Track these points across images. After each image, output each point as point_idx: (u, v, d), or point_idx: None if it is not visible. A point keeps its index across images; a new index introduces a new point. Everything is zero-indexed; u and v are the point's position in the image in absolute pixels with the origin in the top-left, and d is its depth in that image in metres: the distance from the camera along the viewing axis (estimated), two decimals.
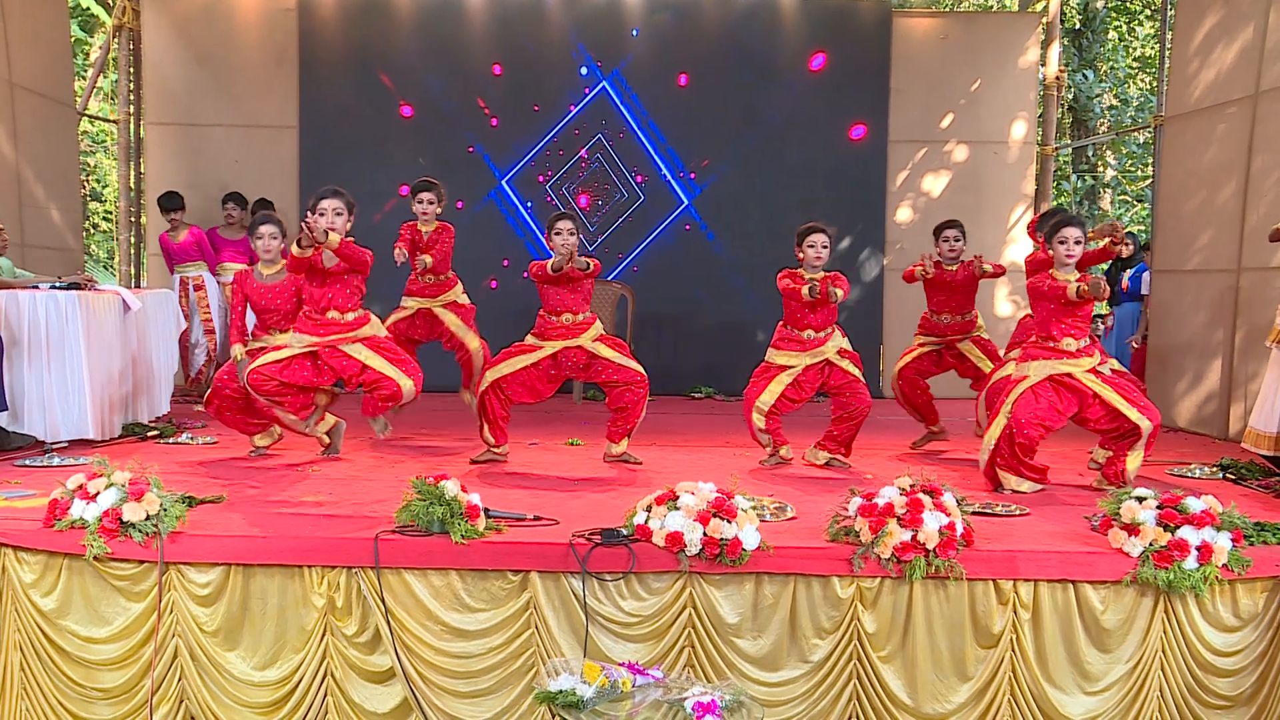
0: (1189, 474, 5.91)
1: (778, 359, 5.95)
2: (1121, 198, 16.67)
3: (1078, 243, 5.25)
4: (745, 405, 5.97)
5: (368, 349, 5.47)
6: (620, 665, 3.41)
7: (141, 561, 3.98)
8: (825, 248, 5.88)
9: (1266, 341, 5.73)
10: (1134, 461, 5.25)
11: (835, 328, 5.98)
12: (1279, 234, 5.91)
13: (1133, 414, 5.14)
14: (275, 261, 5.87)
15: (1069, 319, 5.23)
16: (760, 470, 5.87)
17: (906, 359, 6.76)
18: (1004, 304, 9.79)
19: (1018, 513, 4.71)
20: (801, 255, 5.92)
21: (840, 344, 5.96)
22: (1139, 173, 15.98)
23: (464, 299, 6.90)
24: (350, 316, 5.50)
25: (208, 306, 8.79)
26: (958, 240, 6.49)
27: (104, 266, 16.43)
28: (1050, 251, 5.35)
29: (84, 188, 14.06)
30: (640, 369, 5.90)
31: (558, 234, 5.79)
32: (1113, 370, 5.69)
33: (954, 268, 6.50)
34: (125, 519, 3.94)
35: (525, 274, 5.97)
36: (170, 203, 8.82)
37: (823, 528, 4.15)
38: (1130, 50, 16.51)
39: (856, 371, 5.95)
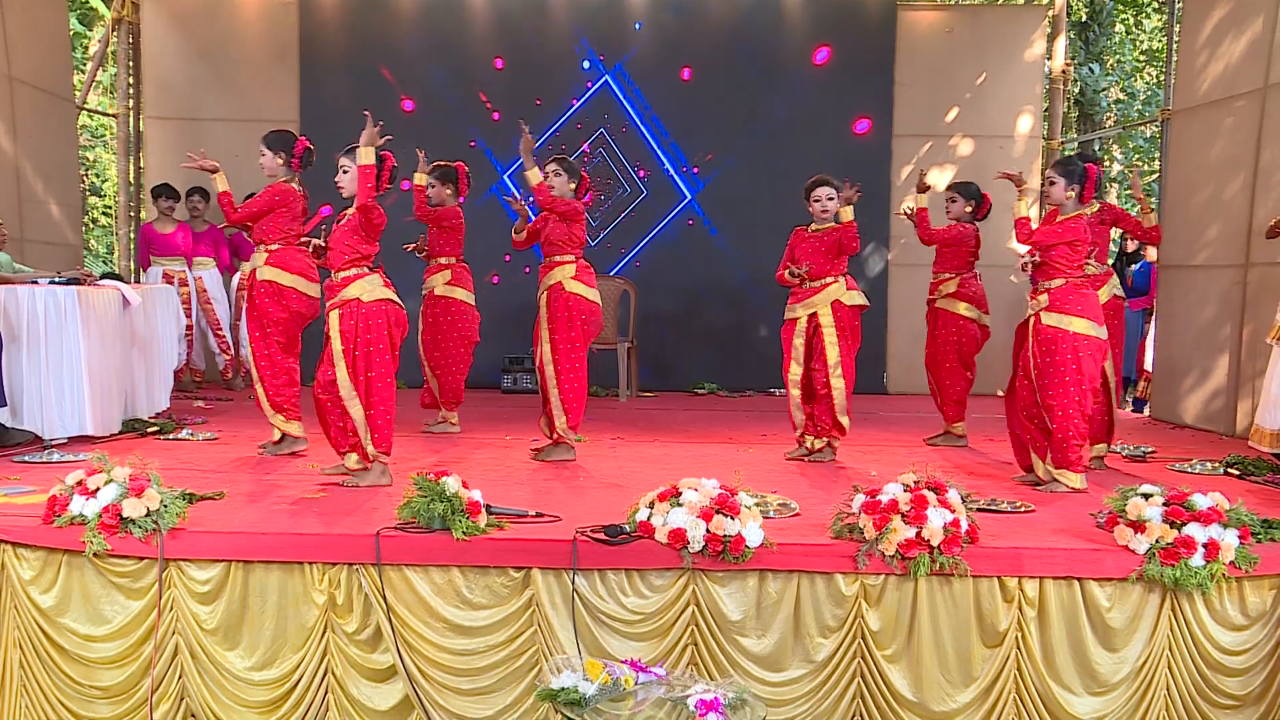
0: (1189, 469, 5.88)
1: (787, 314, 6.08)
2: (1128, 193, 16.61)
3: (830, 199, 5.81)
4: (786, 388, 6.14)
5: (339, 322, 4.89)
6: (623, 662, 3.38)
7: (141, 558, 3.95)
8: (830, 200, 5.92)
9: (1267, 338, 5.70)
10: (1039, 467, 5.27)
11: (839, 278, 5.98)
12: (1275, 230, 5.89)
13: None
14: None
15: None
16: (764, 466, 5.83)
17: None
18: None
19: (1023, 509, 4.68)
20: (810, 209, 6.02)
21: (835, 296, 5.95)
22: (1146, 167, 15.92)
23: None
24: (340, 276, 4.94)
25: (188, 302, 8.76)
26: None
27: (103, 261, 16.40)
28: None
29: (83, 182, 14.04)
30: (549, 347, 5.82)
31: (558, 175, 5.92)
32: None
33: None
34: (125, 515, 3.91)
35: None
36: (169, 193, 8.81)
37: (826, 524, 4.12)
38: (1137, 43, 16.45)
39: (831, 338, 5.90)
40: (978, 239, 6.74)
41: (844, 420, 6.00)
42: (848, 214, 5.93)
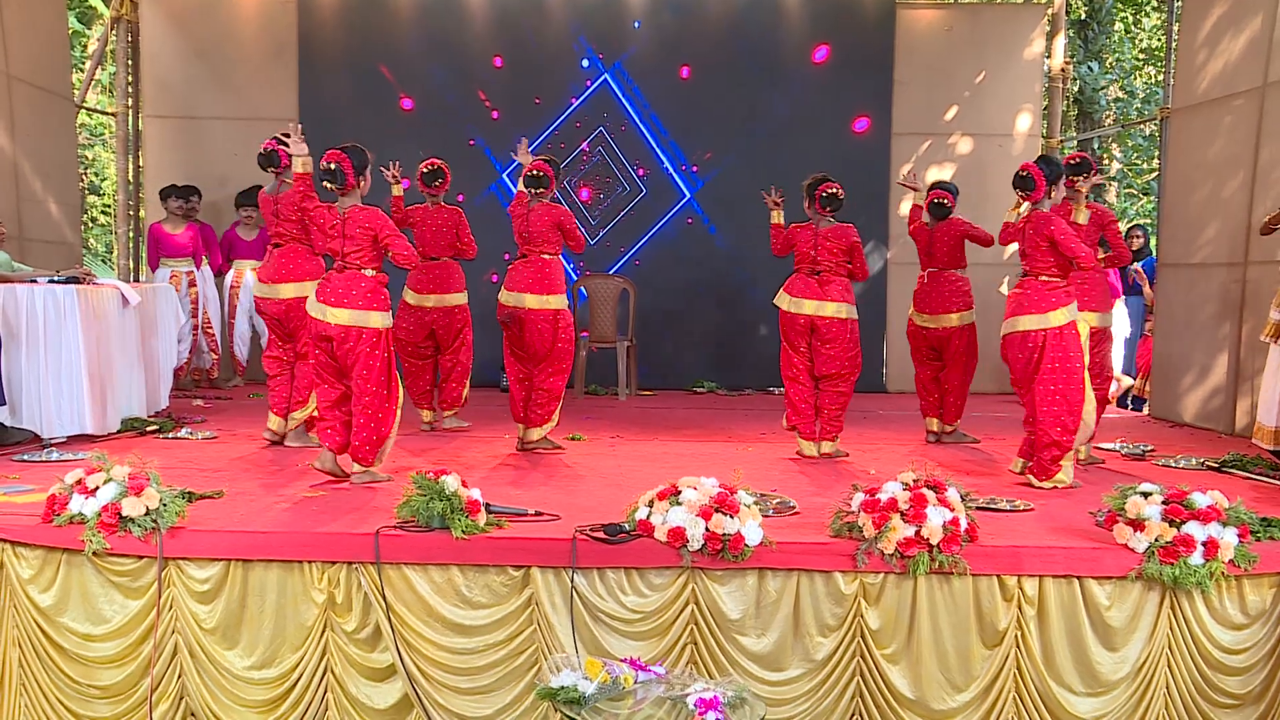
0: (1174, 464, 5.91)
1: None
2: (1127, 191, 16.62)
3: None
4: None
5: None
6: (622, 661, 3.38)
7: (140, 557, 3.95)
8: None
9: (1262, 336, 5.71)
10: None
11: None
12: (1268, 227, 5.89)
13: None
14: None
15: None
16: (763, 465, 5.83)
17: None
18: None
19: (1022, 508, 4.68)
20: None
21: None
22: (1145, 165, 15.94)
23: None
24: None
25: (197, 302, 8.78)
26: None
27: (102, 260, 16.42)
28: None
29: (82, 181, 14.04)
30: None
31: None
32: None
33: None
34: (124, 514, 3.92)
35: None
36: (178, 194, 8.85)
37: (826, 523, 4.12)
38: (1136, 42, 16.46)
39: None
40: (926, 237, 6.79)
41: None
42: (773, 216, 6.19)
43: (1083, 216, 5.77)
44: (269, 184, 6.22)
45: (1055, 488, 5.18)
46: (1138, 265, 9.51)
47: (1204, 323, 7.66)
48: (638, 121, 9.78)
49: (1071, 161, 5.83)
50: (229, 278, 9.12)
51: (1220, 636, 3.99)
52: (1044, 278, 5.23)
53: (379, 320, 4.98)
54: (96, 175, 16.85)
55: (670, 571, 3.93)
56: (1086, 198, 5.88)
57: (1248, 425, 6.47)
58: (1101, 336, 6.05)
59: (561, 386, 6.12)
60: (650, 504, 4.02)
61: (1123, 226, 13.54)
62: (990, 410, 8.05)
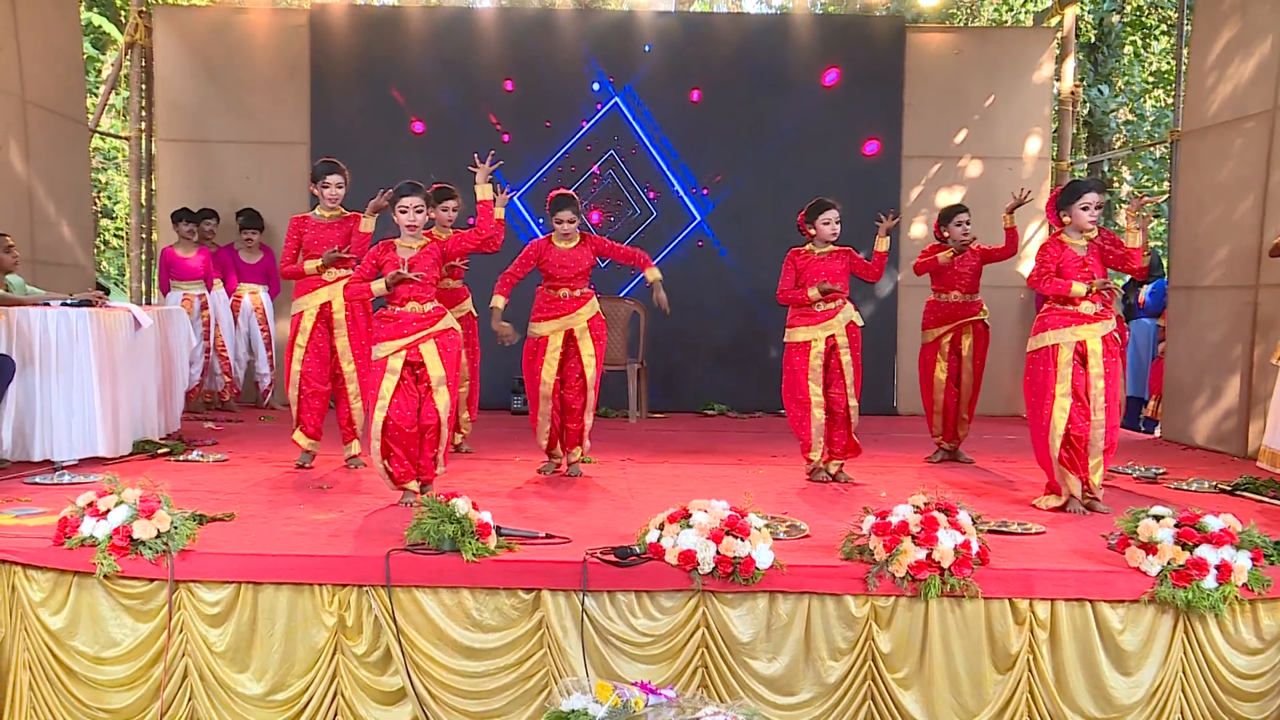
0: (1185, 487, 5.89)
1: (800, 338, 5.95)
2: (1141, 214, 16.60)
3: (838, 222, 5.56)
4: (797, 411, 5.96)
5: (439, 351, 4.98)
6: (633, 685, 3.37)
7: (151, 580, 3.95)
8: (839, 223, 5.93)
9: (1273, 359, 5.70)
10: (1099, 475, 5.20)
11: (845, 300, 6.00)
12: (1278, 249, 5.88)
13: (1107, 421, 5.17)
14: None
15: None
16: (774, 487, 5.81)
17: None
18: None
19: (1034, 531, 4.66)
20: (813, 231, 5.95)
21: (850, 317, 6.00)
22: (1155, 188, 15.92)
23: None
24: (429, 307, 5.03)
25: (209, 324, 8.81)
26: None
27: (115, 283, 16.50)
28: (1068, 219, 5.25)
29: (95, 204, 14.15)
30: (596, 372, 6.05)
31: (559, 224, 5.98)
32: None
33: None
34: (135, 536, 3.92)
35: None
36: (190, 218, 8.91)
37: (836, 546, 4.11)
38: (1146, 65, 16.47)
39: (848, 358, 5.94)
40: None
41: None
42: (884, 244, 6.02)
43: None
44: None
45: (1035, 506, 5.25)
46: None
47: (1215, 345, 7.64)
48: (648, 144, 9.82)
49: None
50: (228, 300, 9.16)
51: (1235, 661, 3.96)
52: None
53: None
54: (109, 199, 16.98)
55: (681, 594, 3.92)
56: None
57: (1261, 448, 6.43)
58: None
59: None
60: (661, 527, 4.01)
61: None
62: (1001, 432, 8.03)
